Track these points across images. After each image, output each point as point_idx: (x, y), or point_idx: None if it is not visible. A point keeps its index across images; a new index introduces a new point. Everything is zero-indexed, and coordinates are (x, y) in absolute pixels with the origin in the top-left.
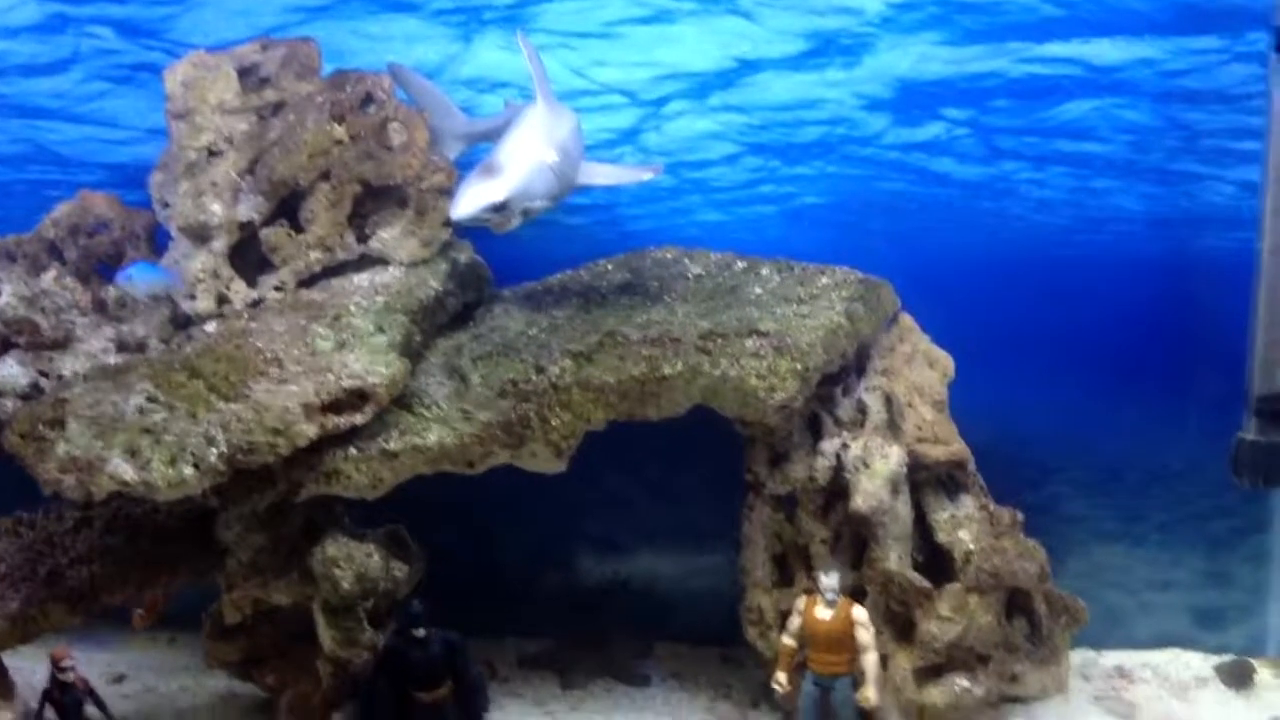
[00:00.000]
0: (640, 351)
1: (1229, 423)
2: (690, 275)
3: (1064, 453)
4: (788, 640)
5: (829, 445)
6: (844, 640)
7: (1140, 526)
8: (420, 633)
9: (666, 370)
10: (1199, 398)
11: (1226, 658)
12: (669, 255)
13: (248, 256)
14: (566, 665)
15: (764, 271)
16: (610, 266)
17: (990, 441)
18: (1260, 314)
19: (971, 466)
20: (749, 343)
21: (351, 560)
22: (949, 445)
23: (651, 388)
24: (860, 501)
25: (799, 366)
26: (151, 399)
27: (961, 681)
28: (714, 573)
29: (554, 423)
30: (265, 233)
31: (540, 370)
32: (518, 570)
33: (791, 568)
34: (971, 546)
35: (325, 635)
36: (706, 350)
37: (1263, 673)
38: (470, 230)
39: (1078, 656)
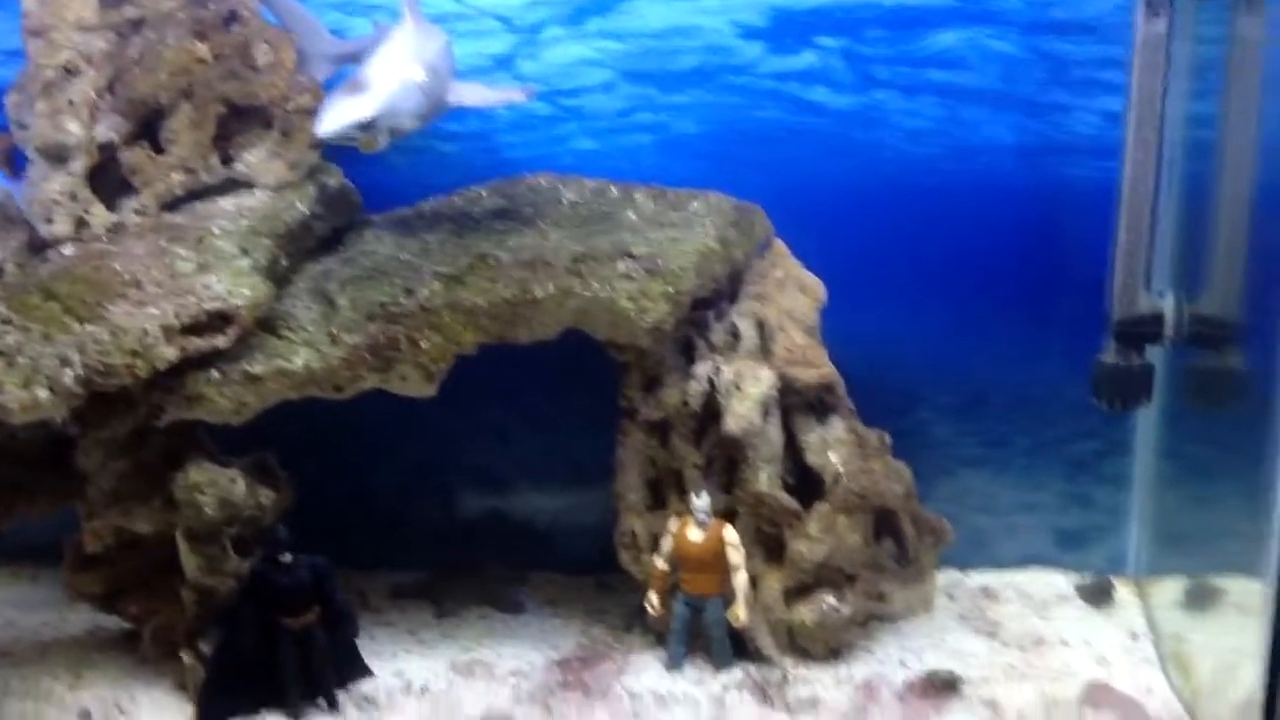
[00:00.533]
0: (511, 274)
1: (1091, 348)
2: (564, 201)
3: (931, 379)
4: (660, 562)
5: (702, 369)
6: (715, 561)
7: (1004, 450)
8: (286, 558)
9: (538, 292)
10: (1062, 323)
11: (1087, 577)
12: (543, 182)
13: (108, 179)
14: (440, 595)
15: (638, 198)
16: (484, 193)
17: (860, 369)
18: (1120, 240)
19: (841, 390)
20: (621, 265)
21: (215, 486)
22: (819, 369)
23: (523, 310)
24: (732, 424)
25: (670, 289)
26: (4, 321)
27: (830, 600)
28: (591, 502)
29: (424, 345)
30: (125, 154)
31: (409, 293)
32: (390, 502)
33: (665, 492)
34: (840, 468)
35: (189, 563)
36: (578, 273)
37: (1121, 590)
38: (340, 155)
39: (944, 577)
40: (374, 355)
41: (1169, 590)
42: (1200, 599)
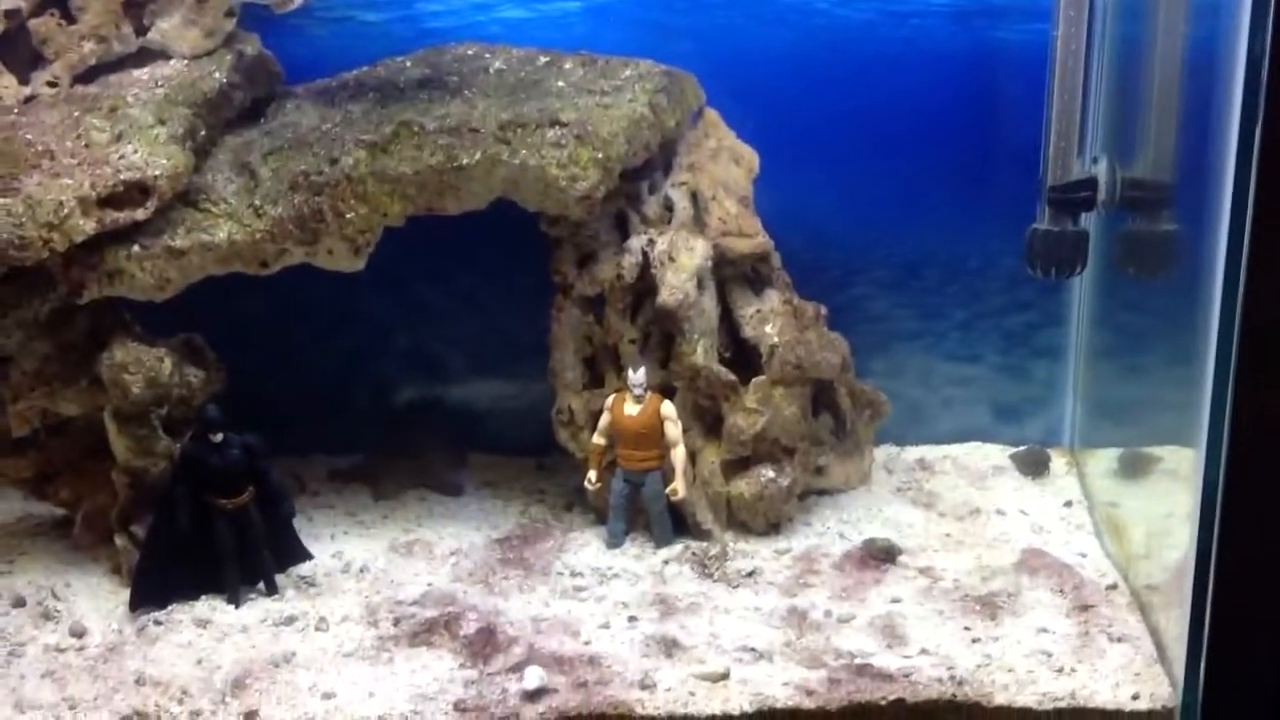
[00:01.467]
0: (437, 141)
1: (1025, 217)
2: (491, 70)
3: (867, 252)
4: (597, 439)
5: (635, 242)
6: (652, 436)
7: (941, 324)
8: (217, 437)
9: (464, 160)
10: (998, 192)
11: (1023, 449)
12: (470, 51)
13: (17, 51)
14: (378, 478)
15: (567, 66)
16: (409, 63)
17: (796, 242)
18: (1054, 105)
19: (776, 261)
20: (550, 133)
21: (141, 365)
22: (753, 239)
23: (450, 178)
24: (666, 296)
25: (600, 155)
26: None
27: (767, 473)
28: (531, 383)
29: (349, 216)
30: (34, 23)
31: (333, 162)
32: (325, 386)
33: (602, 369)
34: (776, 340)
35: (118, 445)
36: (506, 140)
37: (1057, 461)
38: (259, 25)
39: (882, 452)
40: (298, 228)
41: (1104, 460)
42: (1134, 468)
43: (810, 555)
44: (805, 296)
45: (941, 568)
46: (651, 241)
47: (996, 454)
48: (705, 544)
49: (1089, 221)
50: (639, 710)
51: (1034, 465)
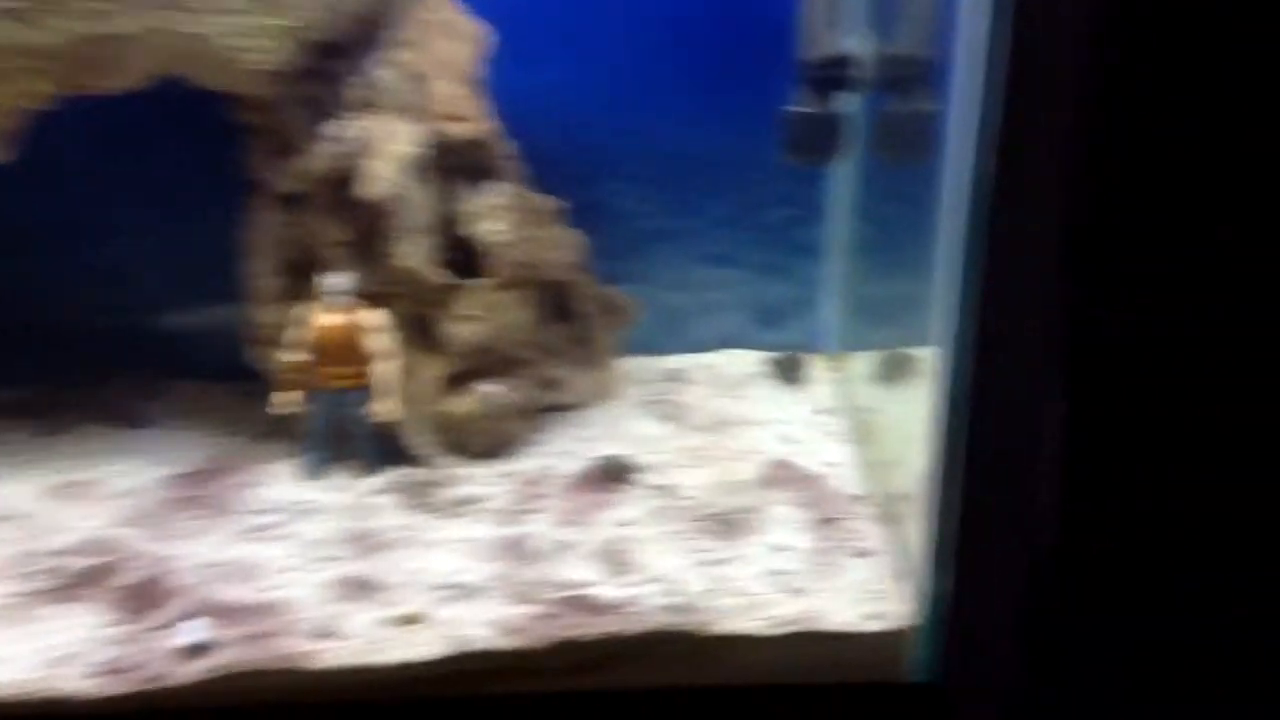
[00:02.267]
0: (90, 7)
1: (783, 102)
2: None
3: (615, 145)
4: (291, 354)
5: (336, 129)
6: (354, 350)
7: (696, 221)
8: None
9: (126, 27)
10: (753, 77)
11: (780, 354)
12: None
13: None
14: (49, 411)
15: None
16: None
17: (537, 134)
18: None
19: (502, 150)
20: None
21: None
22: (473, 123)
23: (106, 50)
24: (369, 188)
25: (291, 24)
26: None
27: (490, 389)
28: (235, 299)
29: None
30: None
31: None
32: None
33: (308, 279)
34: (501, 237)
35: None
36: (174, 4)
37: (815, 366)
38: None
39: (634, 363)
40: None
41: (862, 364)
42: (892, 371)
43: (537, 478)
44: (551, 192)
45: (682, 485)
46: (354, 127)
47: (753, 361)
48: (419, 470)
49: (851, 104)
50: (313, 663)
51: (791, 371)
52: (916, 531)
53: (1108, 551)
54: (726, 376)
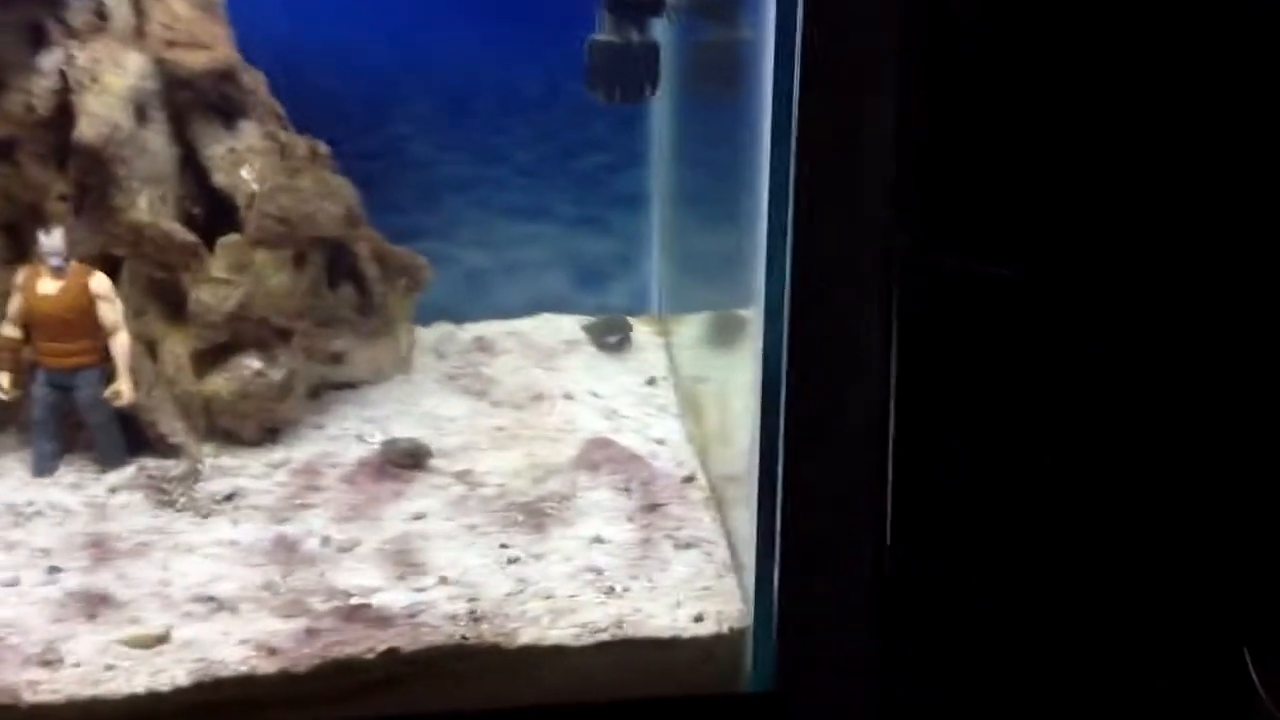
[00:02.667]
0: None
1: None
2: None
3: (399, 82)
4: (7, 328)
5: (49, 60)
6: (81, 322)
7: (499, 169)
8: None
9: None
10: (559, 4)
11: (601, 319)
12: None
13: None
14: None
15: None
16: None
17: (311, 72)
18: None
19: (250, 83)
20: None
21: None
22: (212, 50)
23: None
24: (87, 128)
25: None
26: None
27: (252, 364)
28: None
29: None
30: None
31: None
32: None
33: (26, 239)
34: (255, 187)
35: None
36: None
37: (641, 331)
38: None
39: (433, 332)
40: None
41: (693, 327)
42: (720, 335)
43: (314, 467)
44: (330, 139)
45: (484, 470)
46: (70, 57)
47: (571, 327)
48: (171, 462)
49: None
50: (27, 697)
51: (611, 337)
52: (745, 518)
53: (949, 530)
54: (539, 345)
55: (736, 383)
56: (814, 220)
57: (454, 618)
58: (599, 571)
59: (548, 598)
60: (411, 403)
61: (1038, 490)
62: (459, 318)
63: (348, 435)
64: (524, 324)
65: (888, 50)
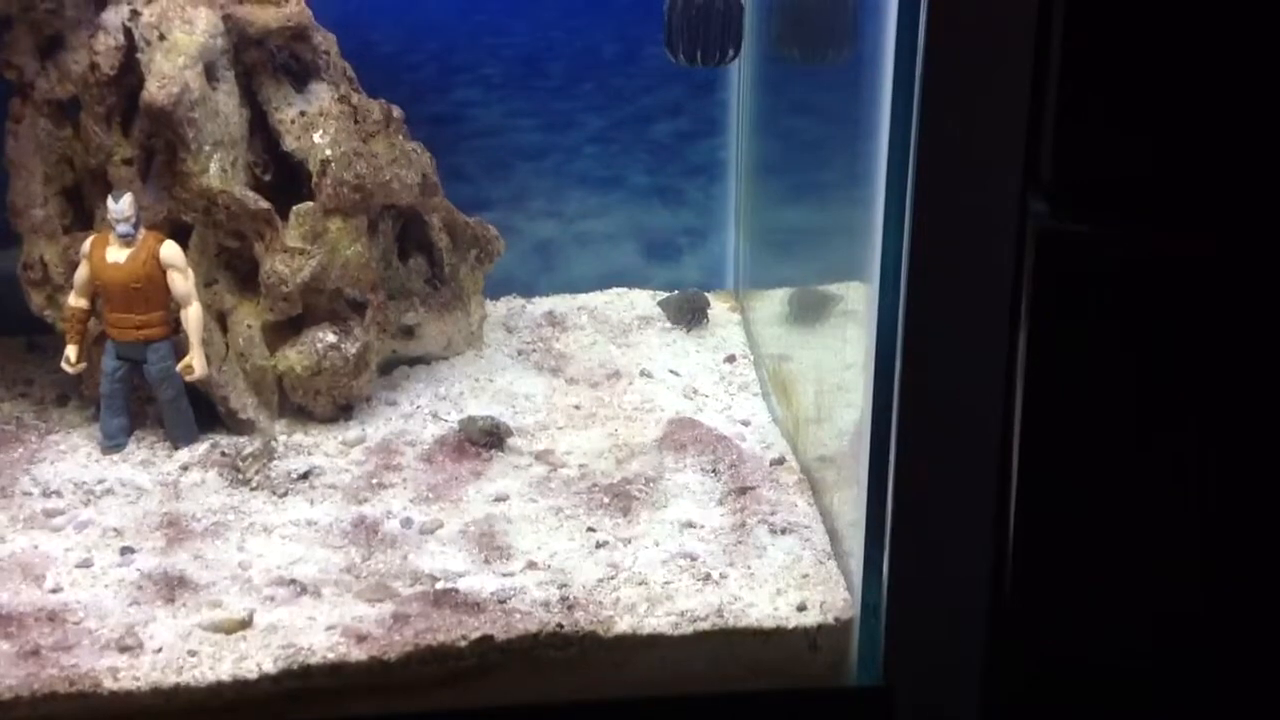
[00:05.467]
0: None
1: None
2: None
3: (469, 43)
4: (74, 299)
5: (113, 16)
6: (151, 292)
7: (571, 136)
8: None
9: None
10: None
11: (676, 294)
12: None
13: None
14: None
15: None
16: None
17: (378, 33)
18: None
19: (324, 43)
20: None
21: None
22: (282, 7)
23: None
24: (156, 89)
25: None
26: None
27: (326, 337)
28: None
29: None
30: None
31: None
32: None
33: (89, 203)
34: (329, 152)
35: None
36: None
37: (718, 307)
38: None
39: (502, 305)
40: None
41: (773, 303)
42: (807, 311)
43: (390, 445)
44: (395, 101)
45: (565, 451)
46: (135, 14)
47: (645, 301)
48: (243, 439)
49: None
50: (107, 684)
51: (689, 313)
52: (845, 502)
53: (1082, 521)
54: (612, 320)
55: (831, 362)
56: (936, 186)
57: (546, 604)
58: (693, 557)
59: (641, 584)
60: (485, 379)
61: (1185, 492)
62: (527, 291)
63: (421, 412)
64: (595, 298)
65: None
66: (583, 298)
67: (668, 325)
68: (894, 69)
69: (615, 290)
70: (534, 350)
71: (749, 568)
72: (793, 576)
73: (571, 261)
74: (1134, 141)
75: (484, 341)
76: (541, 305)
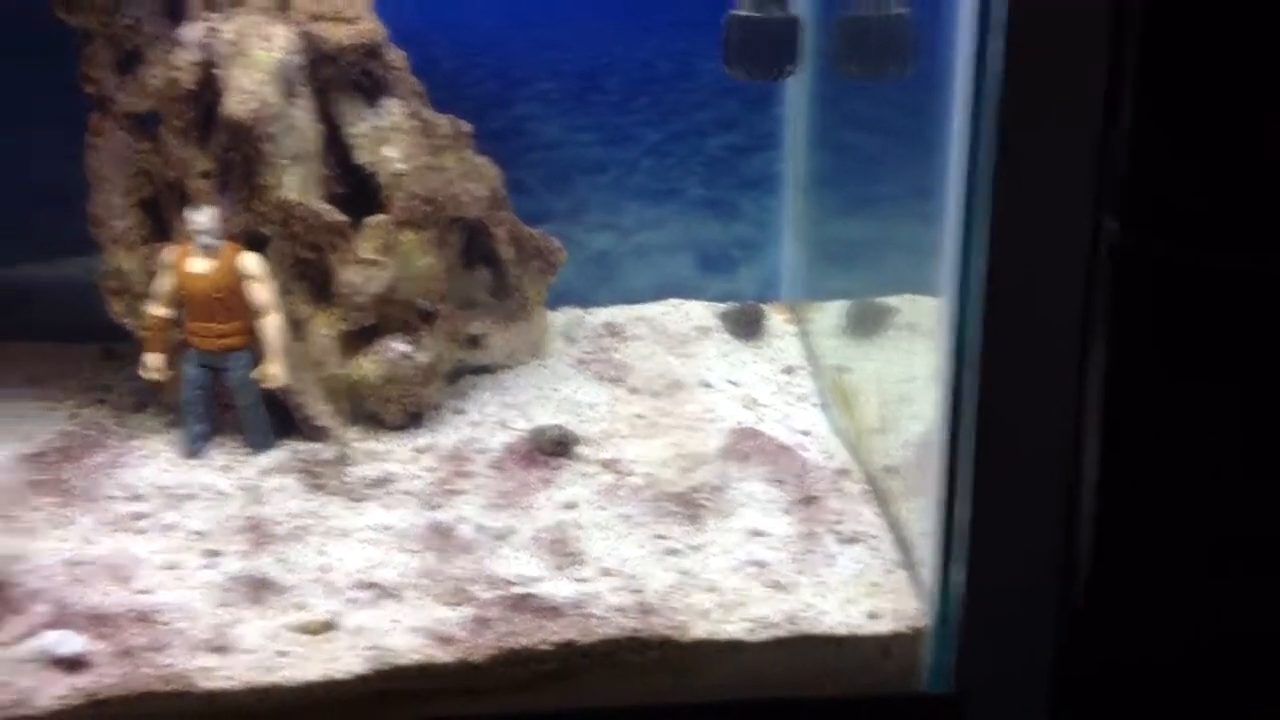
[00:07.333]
0: None
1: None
2: None
3: (530, 59)
4: (155, 308)
5: (191, 32)
6: (232, 302)
7: (629, 150)
8: None
9: None
10: None
11: (733, 305)
12: None
13: None
14: None
15: None
16: None
17: (438, 48)
18: None
19: (394, 59)
20: None
21: None
22: (357, 25)
23: None
24: (236, 104)
25: None
26: None
27: (398, 347)
28: (86, 244)
29: None
30: None
31: None
32: None
33: (169, 216)
34: (401, 166)
35: None
36: None
37: (775, 318)
38: None
39: (561, 316)
40: None
41: (830, 315)
42: (866, 322)
43: (461, 453)
44: (457, 115)
45: (631, 459)
46: (214, 30)
47: (701, 312)
48: (319, 446)
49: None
50: (202, 683)
51: (746, 324)
52: (914, 511)
53: (1155, 534)
54: (669, 331)
55: (894, 373)
56: (1010, 203)
57: (622, 610)
58: (762, 565)
59: (712, 590)
60: (549, 388)
61: (1261, 506)
62: (585, 302)
63: (490, 420)
64: (652, 309)
65: (1101, 10)
66: (640, 308)
67: (725, 336)
68: (972, 87)
69: (671, 301)
70: (595, 360)
71: (819, 576)
72: (863, 585)
73: (628, 273)
74: (1207, 159)
75: (546, 351)
76: (600, 316)
